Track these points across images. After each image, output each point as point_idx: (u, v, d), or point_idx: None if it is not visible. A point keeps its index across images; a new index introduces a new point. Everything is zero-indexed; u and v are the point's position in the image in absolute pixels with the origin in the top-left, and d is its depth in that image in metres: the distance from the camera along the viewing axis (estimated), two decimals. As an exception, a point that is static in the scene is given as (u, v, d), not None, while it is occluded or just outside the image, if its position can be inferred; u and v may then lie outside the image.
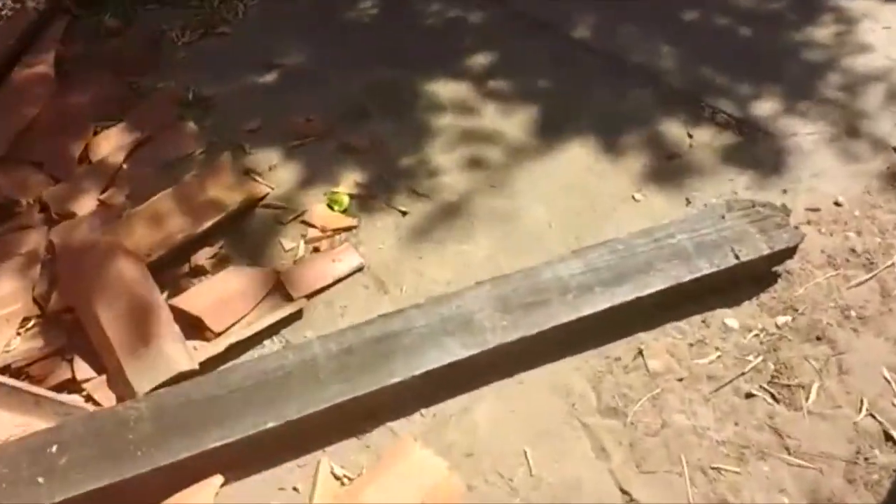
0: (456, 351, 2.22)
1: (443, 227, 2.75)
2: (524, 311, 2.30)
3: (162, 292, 2.52)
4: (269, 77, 3.40)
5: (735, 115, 3.08)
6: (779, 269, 2.55)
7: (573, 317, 2.30)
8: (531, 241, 2.69)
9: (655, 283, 2.36)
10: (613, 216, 2.75)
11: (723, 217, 2.52)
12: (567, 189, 2.85)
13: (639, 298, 2.34)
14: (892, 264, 2.57)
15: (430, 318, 2.29)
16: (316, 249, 2.69)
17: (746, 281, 2.51)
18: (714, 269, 2.39)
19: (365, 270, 2.63)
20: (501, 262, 2.63)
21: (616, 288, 2.35)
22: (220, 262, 2.65)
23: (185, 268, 2.64)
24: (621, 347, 2.39)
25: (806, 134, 3.01)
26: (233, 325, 2.48)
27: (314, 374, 2.18)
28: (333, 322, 2.49)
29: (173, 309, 2.44)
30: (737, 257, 2.41)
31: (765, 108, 3.11)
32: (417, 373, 2.18)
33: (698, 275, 2.38)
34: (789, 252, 2.49)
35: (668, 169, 2.91)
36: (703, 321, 2.45)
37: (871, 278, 2.55)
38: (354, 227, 2.76)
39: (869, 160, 2.91)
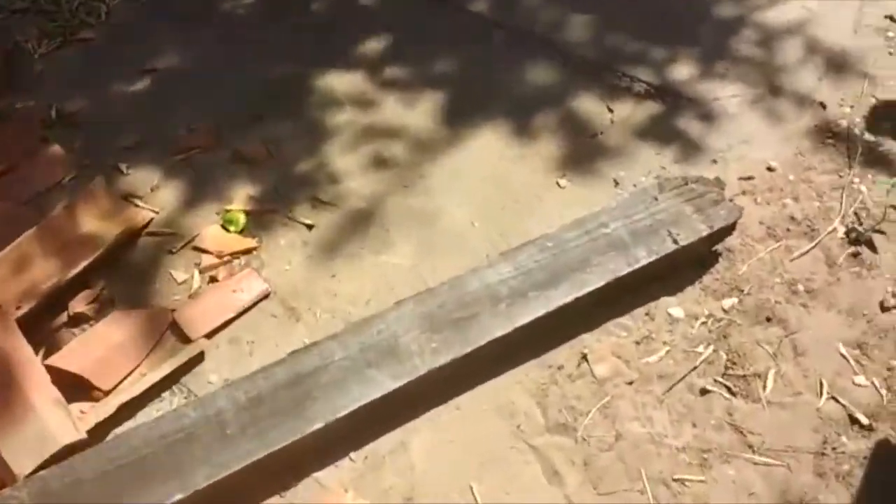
0: (383, 383, 1.97)
1: (355, 237, 2.48)
2: (454, 328, 2.06)
3: (36, 350, 2.18)
4: (143, 84, 3.03)
5: (653, 82, 2.89)
6: (719, 247, 2.38)
7: (508, 328, 2.07)
8: (454, 243, 2.44)
9: (593, 281, 2.15)
10: (539, 207, 2.52)
11: (655, 199, 2.33)
12: (485, 181, 2.61)
13: (577, 299, 2.13)
14: (834, 230, 2.43)
15: (350, 349, 2.03)
16: (213, 279, 2.38)
17: (687, 264, 2.33)
18: (653, 258, 2.20)
19: (272, 297, 2.34)
20: (424, 271, 2.38)
21: (551, 290, 2.13)
22: (103, 307, 2.32)
23: (63, 317, 2.30)
24: (563, 354, 2.18)
25: (729, 97, 2.84)
26: (123, 379, 2.17)
27: (221, 431, 1.90)
28: (241, 362, 2.20)
29: (50, 369, 2.11)
30: (675, 242, 2.22)
31: (683, 72, 2.92)
32: (340, 415, 1.92)
33: (637, 266, 2.19)
34: (728, 229, 2.31)
35: (591, 148, 2.70)
36: (647, 314, 2.26)
37: (814, 247, 2.40)
38: (255, 248, 2.46)
39: (796, 119, 2.76)
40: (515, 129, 2.78)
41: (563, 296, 2.13)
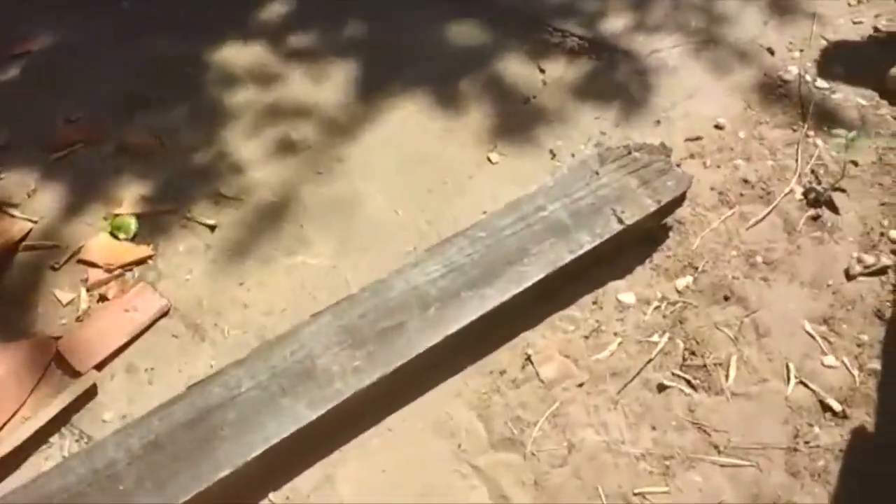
0: (300, 414, 1.71)
1: (265, 236, 2.19)
2: (379, 340, 1.81)
3: None
4: (12, 71, 2.65)
5: (586, 36, 2.62)
6: (669, 220, 2.15)
7: (439, 336, 1.82)
8: (377, 236, 2.18)
9: (532, 273, 1.91)
10: (469, 187, 2.26)
11: (596, 173, 2.08)
12: (409, 161, 2.33)
13: (515, 296, 1.88)
14: (791, 191, 2.22)
15: (259, 376, 1.76)
16: (103, 298, 2.07)
17: (635, 243, 2.10)
18: (597, 242, 1.96)
19: (172, 314, 2.05)
20: (346, 271, 2.11)
21: (486, 288, 1.88)
22: (-26, 341, 2.00)
23: (-73, 357, 1.97)
24: (505, 356, 1.94)
25: (668, 48, 2.59)
26: (3, 425, 1.87)
27: (114, 486, 1.63)
28: (141, 394, 1.92)
29: (-89, 424, 1.80)
30: (621, 221, 1.99)
31: (617, 23, 2.66)
32: (253, 456, 1.66)
33: (580, 252, 1.94)
34: (678, 201, 2.08)
35: (523, 116, 2.44)
36: (595, 302, 2.03)
37: (770, 212, 2.19)
38: (150, 256, 2.15)
39: (743, 68, 2.54)
40: (438, 98, 2.49)
41: (499, 294, 1.88)
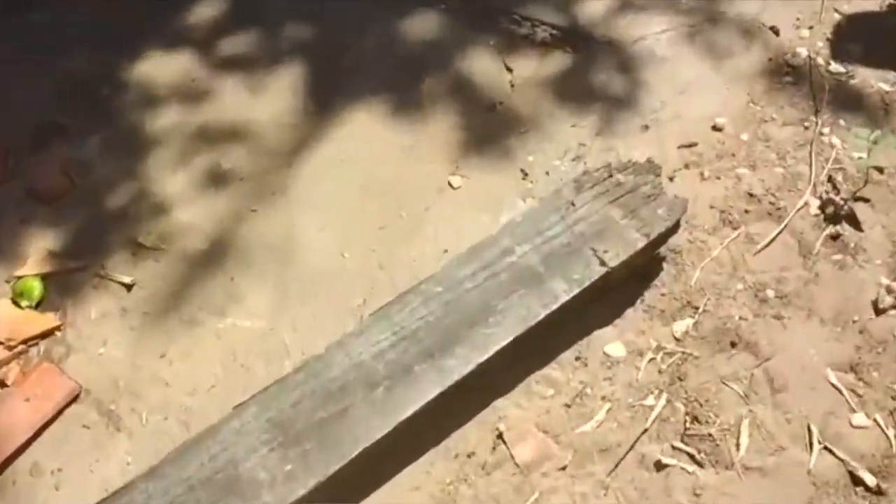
0: (222, 536, 1.41)
1: (190, 294, 1.88)
2: (317, 435, 1.51)
3: None
4: None
5: (560, 24, 2.26)
6: (663, 249, 1.82)
7: (390, 424, 1.52)
8: (321, 286, 1.86)
9: (499, 335, 1.60)
10: (429, 220, 1.94)
11: (572, 204, 1.75)
12: (357, 190, 2.00)
13: (481, 365, 1.57)
14: (806, 205, 1.89)
15: (173, 490, 1.46)
16: (2, 384, 1.77)
17: (623, 280, 1.77)
18: (576, 291, 1.64)
19: (82, 398, 1.75)
20: (285, 333, 1.80)
21: (445, 359, 1.58)
22: None
23: None
24: (473, 433, 1.64)
25: (656, 34, 2.23)
26: None
27: None
28: (47, 501, 1.62)
29: None
30: (603, 263, 1.66)
31: (595, 7, 2.30)
32: None
33: (555, 306, 1.62)
34: (672, 230, 1.75)
35: (489, 126, 2.09)
36: (578, 358, 1.72)
37: (781, 231, 1.86)
38: (57, 327, 1.85)
39: (743, 53, 2.18)
40: (391, 109, 2.15)
41: (461, 364, 1.57)
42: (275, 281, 1.88)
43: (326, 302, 1.83)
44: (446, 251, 1.87)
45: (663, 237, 1.75)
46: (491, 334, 1.60)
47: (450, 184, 2.00)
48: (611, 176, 1.78)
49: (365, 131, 2.10)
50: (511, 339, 1.60)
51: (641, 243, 1.69)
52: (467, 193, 1.98)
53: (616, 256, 1.67)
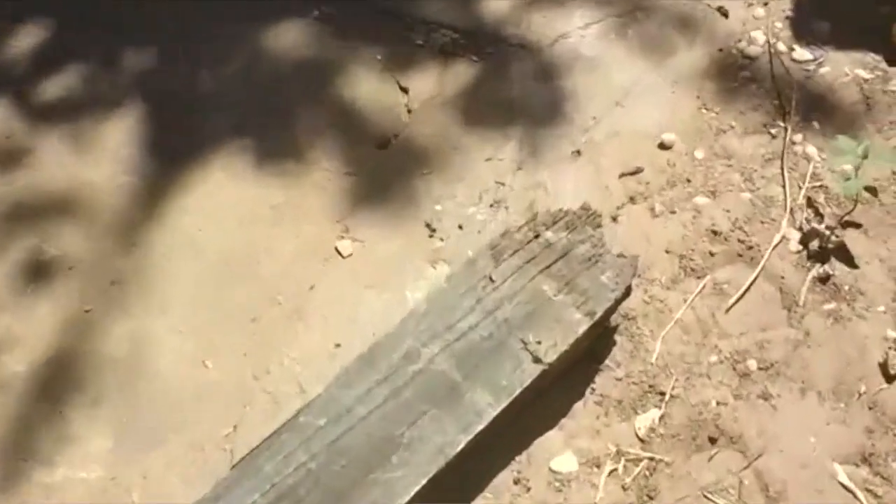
0: None
1: (10, 439, 1.43)
2: None
3: None
4: None
5: (461, 27, 1.82)
6: (615, 318, 1.42)
7: None
8: (178, 412, 1.44)
9: (407, 481, 1.20)
10: (312, 304, 1.52)
11: (490, 279, 1.33)
12: (221, 271, 1.57)
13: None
14: (783, 239, 1.50)
15: None
16: None
17: (567, 367, 1.37)
18: (505, 403, 1.23)
19: None
20: (129, 484, 1.38)
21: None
22: None
23: None
24: None
25: (580, 29, 1.81)
26: None
27: None
28: None
29: None
30: (537, 360, 1.26)
31: (502, 2, 1.86)
32: None
33: (480, 427, 1.21)
34: (621, 299, 1.35)
35: (383, 169, 1.67)
36: (517, 481, 1.33)
37: (757, 277, 1.47)
38: None
39: (687, 45, 1.79)
40: (259, 156, 1.71)
41: (355, 530, 1.15)
42: (117, 411, 1.44)
43: (186, 434, 1.40)
44: (339, 345, 1.46)
45: (611, 311, 1.34)
46: (396, 479, 1.19)
47: (338, 251, 1.57)
48: (537, 236, 1.37)
49: (225, 191, 1.66)
50: (424, 481, 1.18)
51: (584, 326, 1.29)
52: (361, 262, 1.55)
53: (553, 348, 1.27)
